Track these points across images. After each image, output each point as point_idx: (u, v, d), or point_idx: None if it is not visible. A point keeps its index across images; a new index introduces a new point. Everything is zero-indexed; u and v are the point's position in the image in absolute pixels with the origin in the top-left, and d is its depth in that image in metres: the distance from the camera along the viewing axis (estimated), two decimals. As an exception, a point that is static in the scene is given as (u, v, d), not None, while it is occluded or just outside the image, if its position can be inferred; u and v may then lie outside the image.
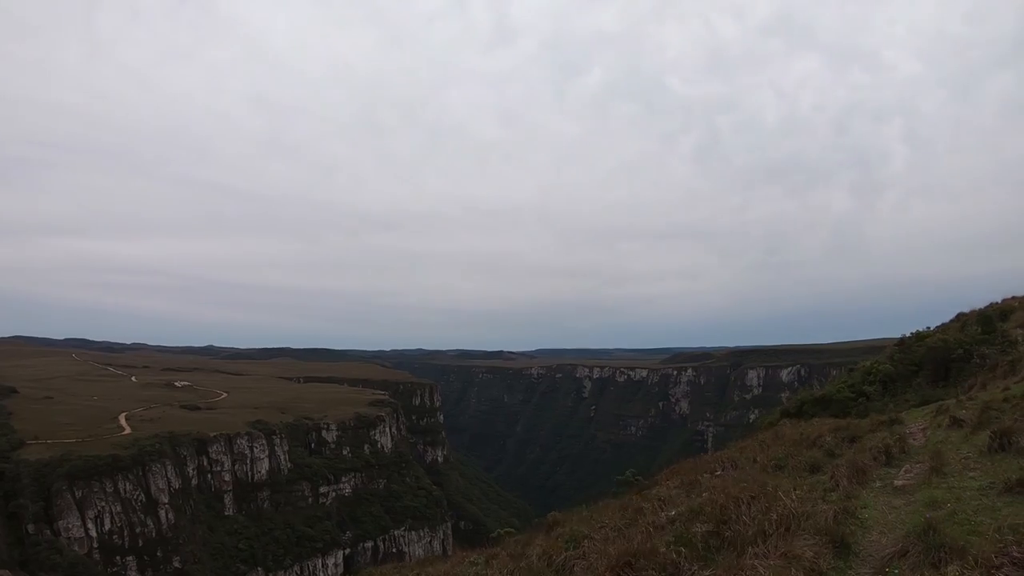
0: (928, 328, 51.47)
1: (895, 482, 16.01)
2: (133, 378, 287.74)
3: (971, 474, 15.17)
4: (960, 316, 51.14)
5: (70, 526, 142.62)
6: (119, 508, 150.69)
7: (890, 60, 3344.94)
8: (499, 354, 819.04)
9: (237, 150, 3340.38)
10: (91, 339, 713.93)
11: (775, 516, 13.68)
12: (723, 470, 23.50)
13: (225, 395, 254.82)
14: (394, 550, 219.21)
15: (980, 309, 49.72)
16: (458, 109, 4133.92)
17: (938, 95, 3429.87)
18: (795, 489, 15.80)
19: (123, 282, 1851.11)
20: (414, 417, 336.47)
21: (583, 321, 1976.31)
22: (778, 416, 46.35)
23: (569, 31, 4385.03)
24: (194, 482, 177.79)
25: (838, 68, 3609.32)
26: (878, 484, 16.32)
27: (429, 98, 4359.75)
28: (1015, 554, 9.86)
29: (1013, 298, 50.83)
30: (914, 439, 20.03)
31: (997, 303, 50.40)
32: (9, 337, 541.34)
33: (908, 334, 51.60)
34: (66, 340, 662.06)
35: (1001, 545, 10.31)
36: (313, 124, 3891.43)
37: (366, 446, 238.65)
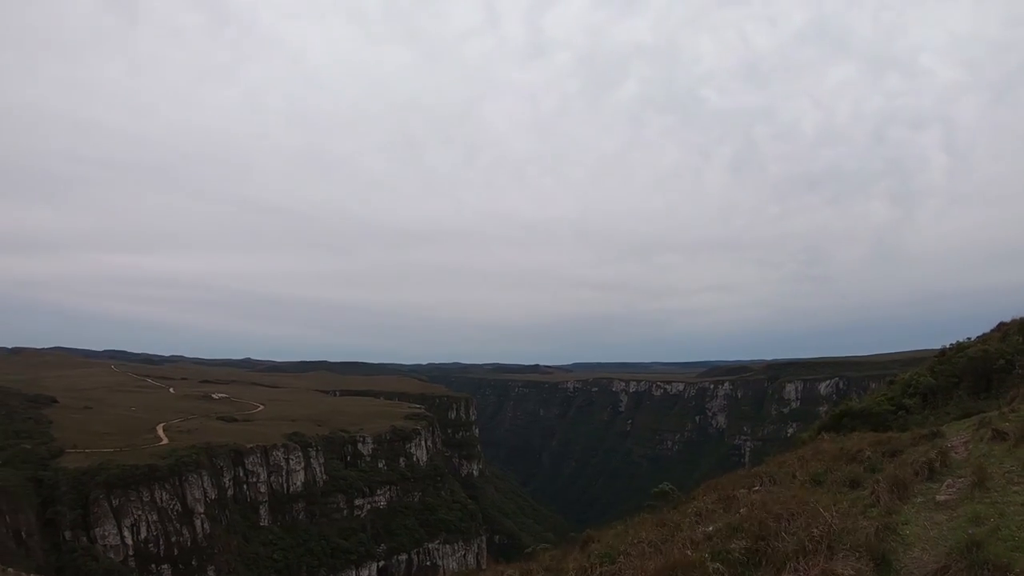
0: (969, 339, 50.62)
1: (937, 497, 15.75)
2: (171, 389, 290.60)
3: (1015, 488, 14.88)
4: (1001, 325, 50.25)
5: (106, 534, 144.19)
6: (155, 517, 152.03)
7: (927, 66, 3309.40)
8: (535, 368, 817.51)
9: (275, 167, 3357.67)
10: (130, 351, 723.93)
11: (815, 532, 13.50)
12: (761, 485, 23.26)
13: (262, 407, 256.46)
14: (428, 563, 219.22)
15: (1022, 318, 48.92)
16: (494, 123, 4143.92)
17: (977, 100, 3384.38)
18: (835, 505, 15.61)
19: (162, 295, 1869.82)
20: (450, 430, 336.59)
21: (619, 334, 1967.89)
22: (816, 430, 45.85)
23: (603, 43, 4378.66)
24: (230, 493, 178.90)
25: (874, 75, 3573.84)
26: (920, 499, 16.07)
27: (465, 113, 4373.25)
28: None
29: (1056, 307, 50.00)
30: (956, 453, 19.71)
31: (1040, 312, 49.61)
32: (50, 348, 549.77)
33: (948, 345, 50.83)
34: (105, 352, 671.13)
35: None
36: (350, 140, 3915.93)
37: (402, 459, 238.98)
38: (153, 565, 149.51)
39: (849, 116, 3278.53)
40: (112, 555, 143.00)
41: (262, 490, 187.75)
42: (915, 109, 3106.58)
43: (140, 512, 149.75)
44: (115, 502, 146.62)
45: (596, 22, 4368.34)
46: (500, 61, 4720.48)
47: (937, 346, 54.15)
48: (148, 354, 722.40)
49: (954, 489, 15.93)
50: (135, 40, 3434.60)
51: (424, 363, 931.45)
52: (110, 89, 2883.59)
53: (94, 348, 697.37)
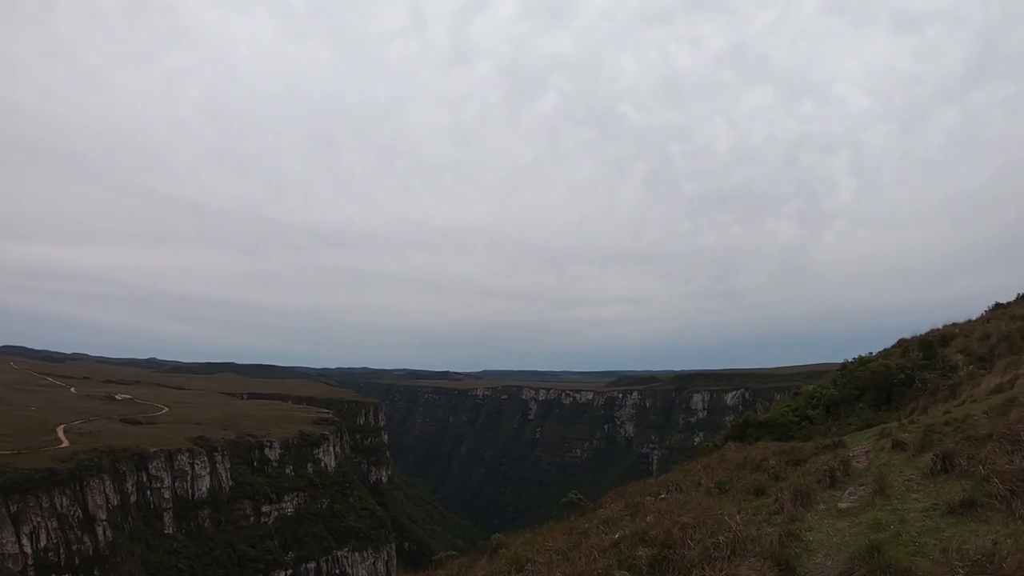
0: (871, 353, 52.10)
1: (839, 504, 16.01)
2: (72, 389, 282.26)
3: (914, 496, 15.21)
4: (902, 342, 51.88)
5: (4, 542, 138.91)
6: (55, 524, 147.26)
7: (840, 94, 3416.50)
8: (445, 374, 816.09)
9: (188, 160, 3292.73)
10: (30, 347, 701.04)
11: (720, 539, 13.59)
12: (668, 493, 23.46)
13: (166, 409, 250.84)
14: (337, 571, 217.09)
15: (921, 335, 50.51)
16: (413, 127, 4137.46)
17: (885, 129, 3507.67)
18: (740, 512, 15.77)
19: (65, 289, 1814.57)
20: (358, 436, 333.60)
21: (530, 343, 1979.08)
22: (722, 439, 46.56)
23: (526, 55, 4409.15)
24: (133, 499, 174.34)
25: (789, 100, 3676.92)
26: (822, 507, 16.32)
27: (385, 115, 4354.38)
28: (961, 574, 9.83)
29: (954, 325, 51.80)
30: (857, 462, 20.09)
31: (938, 329, 51.33)
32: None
33: (851, 359, 52.19)
34: (3, 347, 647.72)
35: (949, 567, 10.29)
36: (266, 138, 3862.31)
37: (309, 465, 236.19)
38: (54, 575, 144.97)
39: (763, 138, 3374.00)
40: (11, 564, 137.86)
41: (166, 496, 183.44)
42: (826, 134, 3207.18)
43: (40, 519, 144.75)
44: (13, 508, 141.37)
45: (521, 33, 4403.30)
46: (423, 65, 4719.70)
47: (839, 360, 55.68)
48: (49, 351, 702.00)
49: (856, 497, 16.21)
50: (52, 19, 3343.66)
51: (333, 367, 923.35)
52: (21, 69, 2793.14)
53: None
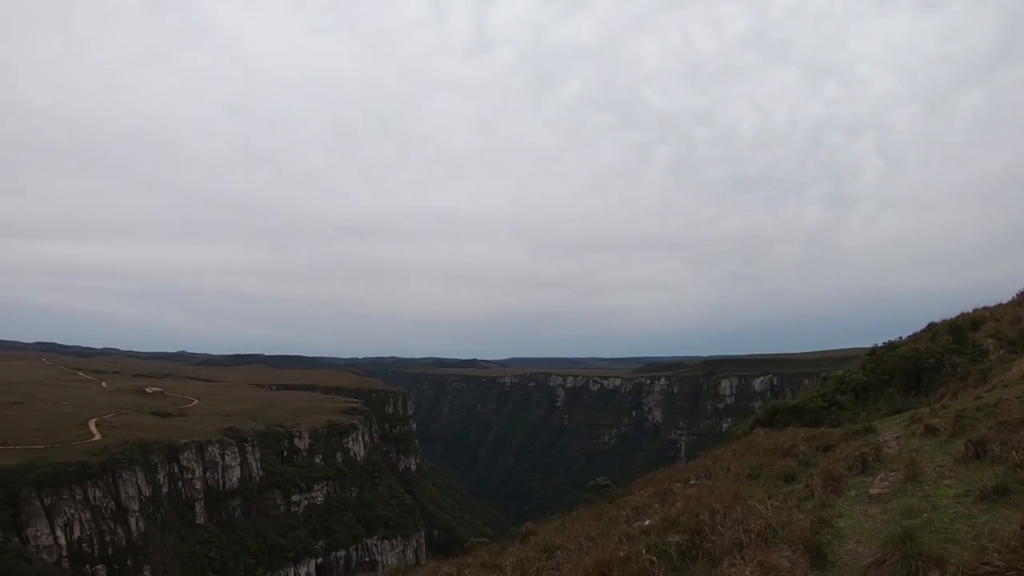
0: (900, 338, 51.60)
1: (870, 491, 15.90)
2: (103, 383, 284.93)
3: (946, 482, 15.08)
4: (931, 326, 51.33)
5: (39, 534, 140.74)
6: (88, 516, 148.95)
7: (864, 75, 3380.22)
8: (472, 362, 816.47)
9: (211, 156, 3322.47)
10: (61, 343, 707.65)
11: (751, 526, 13.54)
12: (697, 479, 23.40)
13: (196, 402, 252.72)
14: (367, 559, 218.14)
15: (951, 319, 50.00)
16: (434, 118, 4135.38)
17: (910, 110, 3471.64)
18: (770, 498, 15.68)
19: (95, 286, 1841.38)
20: (387, 425, 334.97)
21: (557, 331, 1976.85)
22: (751, 425, 46.37)
23: (547, 42, 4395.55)
24: (165, 490, 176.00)
25: (813, 82, 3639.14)
26: (853, 493, 16.20)
27: (406, 107, 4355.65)
28: (996, 562, 9.75)
29: (984, 308, 51.21)
30: (888, 448, 19.94)
31: (968, 313, 50.76)
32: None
33: (880, 344, 51.80)
34: (36, 344, 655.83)
35: (981, 553, 10.21)
36: (288, 131, 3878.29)
37: (338, 454, 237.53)
38: (88, 566, 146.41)
39: (787, 121, 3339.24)
40: (45, 556, 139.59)
41: (197, 487, 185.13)
42: (851, 116, 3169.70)
43: (73, 511, 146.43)
44: (47, 501, 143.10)
45: (541, 20, 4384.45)
46: (443, 55, 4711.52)
47: (868, 345, 55.24)
48: (80, 347, 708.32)
49: (887, 483, 16.10)
50: (72, 21, 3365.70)
51: (361, 357, 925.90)
52: (43, 70, 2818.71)
53: (24, 340, 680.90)
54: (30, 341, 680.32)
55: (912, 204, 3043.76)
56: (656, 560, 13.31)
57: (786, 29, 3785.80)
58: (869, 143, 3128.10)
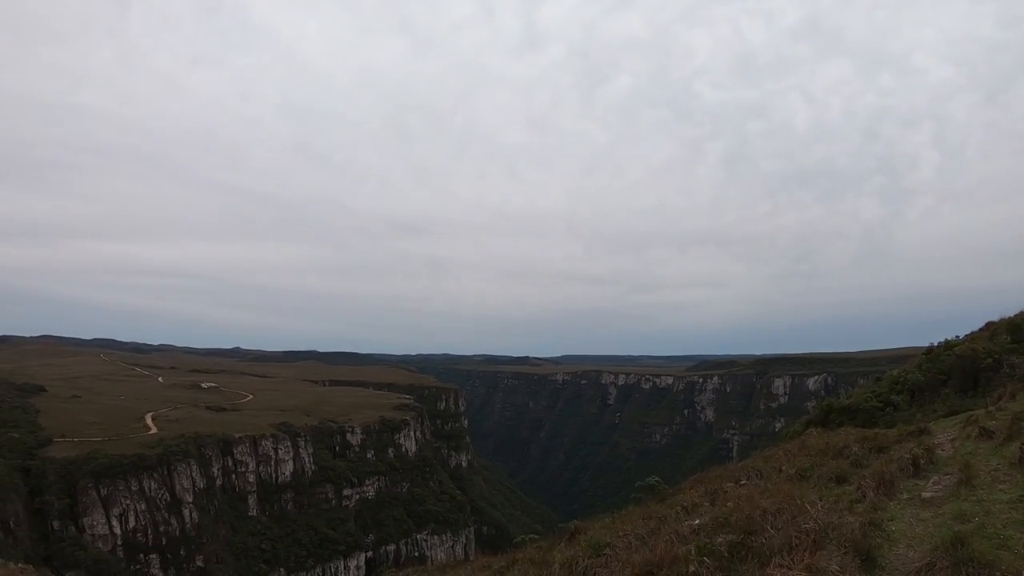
0: (957, 337, 50.71)
1: (923, 494, 15.75)
2: (160, 378, 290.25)
3: (1001, 487, 14.89)
4: (989, 325, 50.32)
5: (95, 523, 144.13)
6: (143, 506, 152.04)
7: (920, 64, 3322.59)
8: (524, 360, 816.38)
9: (266, 156, 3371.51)
10: (119, 339, 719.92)
11: (801, 527, 13.50)
12: (748, 479, 23.30)
13: (251, 397, 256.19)
14: (416, 554, 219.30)
15: (1010, 317, 48.89)
16: (486, 115, 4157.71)
17: (969, 100, 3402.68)
18: (821, 500, 15.61)
19: (152, 284, 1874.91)
20: (438, 422, 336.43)
21: (609, 328, 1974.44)
22: (804, 425, 45.96)
23: (596, 37, 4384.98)
24: (218, 482, 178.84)
25: (867, 73, 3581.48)
26: (905, 496, 16.05)
27: (458, 104, 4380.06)
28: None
29: (1046, 306, 50.10)
30: (942, 450, 19.71)
31: (1028, 311, 49.70)
32: (38, 336, 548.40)
33: (936, 343, 50.94)
34: (94, 340, 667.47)
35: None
36: (342, 131, 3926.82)
37: (390, 450, 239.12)
38: (142, 555, 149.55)
39: (841, 113, 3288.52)
40: (101, 544, 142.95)
41: (250, 480, 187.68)
42: (907, 107, 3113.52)
43: (129, 501, 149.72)
44: (103, 491, 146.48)
45: (590, 15, 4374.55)
46: (494, 52, 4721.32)
47: (924, 344, 54.30)
48: (137, 343, 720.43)
49: (940, 486, 15.94)
50: (126, 27, 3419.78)
51: (413, 354, 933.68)
52: (100, 76, 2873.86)
53: (83, 336, 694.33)
54: (88, 337, 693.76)
55: (971, 197, 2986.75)
56: (706, 560, 13.34)
57: (838, 19, 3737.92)
58: (926, 135, 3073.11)
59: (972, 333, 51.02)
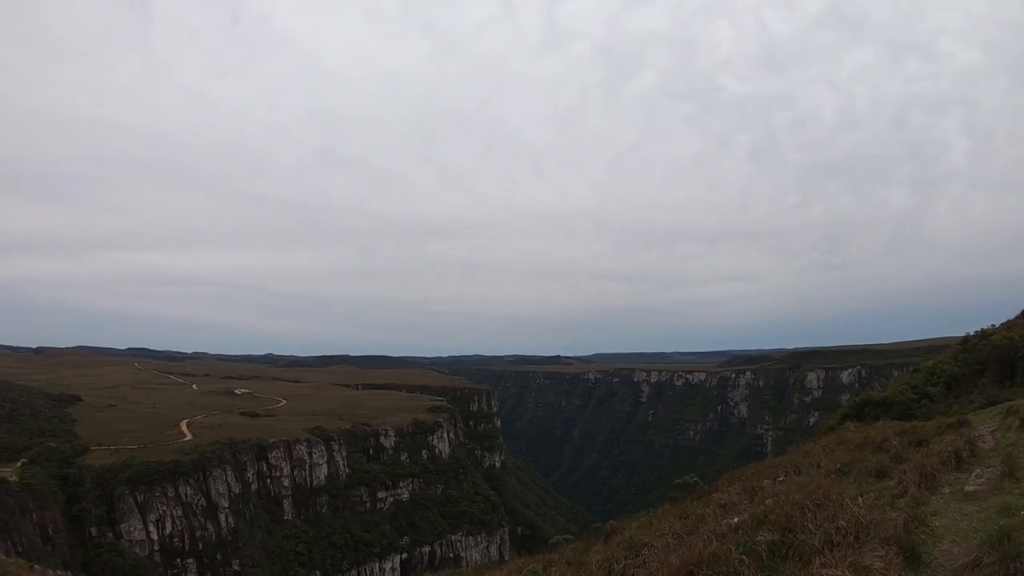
0: (993, 326, 50.22)
1: (966, 488, 15.51)
2: (194, 386, 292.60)
3: (1045, 479, 14.66)
4: (1026, 312, 49.83)
5: (132, 529, 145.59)
6: (180, 512, 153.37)
7: (946, 49, 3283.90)
8: (556, 359, 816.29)
9: (293, 163, 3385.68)
10: (152, 348, 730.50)
11: (842, 524, 13.29)
12: (785, 475, 23.09)
13: (284, 402, 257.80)
14: (451, 555, 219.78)
15: (1048, 305, 48.36)
16: (511, 116, 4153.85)
17: (998, 83, 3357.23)
18: (861, 496, 15.37)
19: (184, 293, 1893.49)
20: (471, 423, 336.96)
21: (640, 325, 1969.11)
22: (839, 419, 45.58)
23: (620, 33, 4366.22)
24: (254, 487, 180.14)
25: (893, 59, 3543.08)
26: (947, 490, 15.83)
27: (482, 106, 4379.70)
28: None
29: (1083, 294, 49.32)
30: (983, 442, 19.43)
31: (1066, 300, 48.91)
32: (73, 347, 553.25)
33: (972, 332, 50.51)
34: (128, 350, 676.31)
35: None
36: (368, 136, 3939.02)
37: (424, 452, 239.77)
38: (178, 560, 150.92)
39: (868, 101, 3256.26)
40: (138, 550, 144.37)
41: (285, 484, 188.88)
42: (935, 93, 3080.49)
43: (165, 507, 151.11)
44: (140, 498, 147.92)
45: (612, 11, 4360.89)
46: (517, 53, 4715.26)
47: (960, 333, 53.80)
48: (171, 351, 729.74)
49: (983, 479, 15.69)
50: (149, 40, 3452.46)
51: (445, 356, 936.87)
52: (126, 89, 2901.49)
53: (117, 346, 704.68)
54: (122, 347, 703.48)
55: (1004, 183, 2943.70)
56: (746, 559, 13.18)
57: (862, 4, 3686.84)
58: (955, 121, 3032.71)
59: (1009, 321, 50.50)
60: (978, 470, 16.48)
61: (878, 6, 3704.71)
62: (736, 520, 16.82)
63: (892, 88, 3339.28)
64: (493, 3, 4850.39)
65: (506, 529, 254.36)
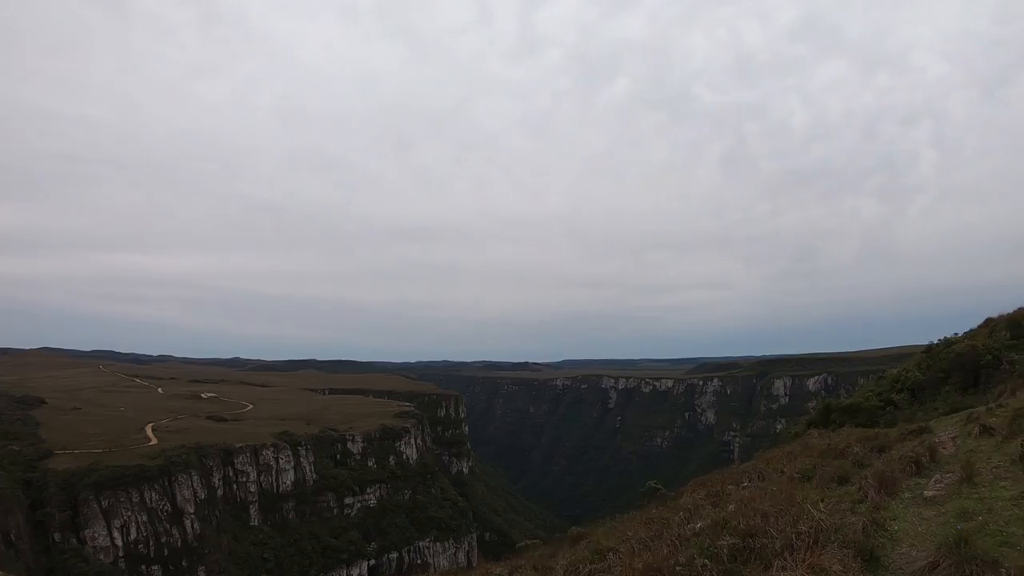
0: (956, 334, 50.82)
1: (925, 493, 15.73)
2: (160, 389, 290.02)
3: (1003, 484, 14.88)
4: (989, 321, 50.39)
5: (96, 535, 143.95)
6: (145, 518, 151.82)
7: (917, 63, 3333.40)
8: (525, 365, 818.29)
9: (265, 164, 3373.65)
10: (118, 351, 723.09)
11: (803, 529, 13.47)
12: (750, 481, 23.27)
13: (251, 406, 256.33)
14: (419, 561, 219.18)
15: (1010, 314, 48.92)
16: (485, 121, 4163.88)
17: (966, 96, 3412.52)
18: (823, 501, 15.58)
19: (151, 295, 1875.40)
20: (439, 428, 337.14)
21: (610, 332, 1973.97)
22: (805, 426, 46.01)
23: (595, 41, 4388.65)
24: (220, 492, 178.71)
25: (865, 72, 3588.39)
26: (908, 495, 16.04)
27: (457, 110, 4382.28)
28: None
29: (1044, 302, 50.08)
30: (944, 448, 19.69)
31: (1027, 307, 49.72)
32: (37, 348, 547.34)
33: (936, 341, 51.05)
34: (93, 352, 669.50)
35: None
36: (342, 138, 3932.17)
37: (391, 457, 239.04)
38: (143, 566, 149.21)
39: (840, 113, 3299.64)
40: (102, 556, 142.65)
41: (252, 490, 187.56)
42: (905, 105, 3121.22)
43: (130, 513, 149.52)
44: (105, 503, 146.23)
45: (588, 19, 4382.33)
46: (492, 58, 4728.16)
47: (924, 342, 54.36)
48: (136, 354, 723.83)
49: (942, 484, 15.92)
50: (125, 38, 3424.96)
51: (413, 361, 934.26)
52: (100, 87, 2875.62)
53: (81, 348, 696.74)
54: (87, 349, 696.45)
55: (971, 194, 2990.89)
56: (708, 563, 13.31)
57: (835, 18, 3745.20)
58: (924, 132, 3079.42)
59: (972, 330, 51.10)
60: (938, 475, 16.70)
61: (851, 20, 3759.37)
62: (700, 525, 16.96)
63: (863, 100, 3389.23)
64: (470, 8, 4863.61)
65: (474, 535, 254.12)
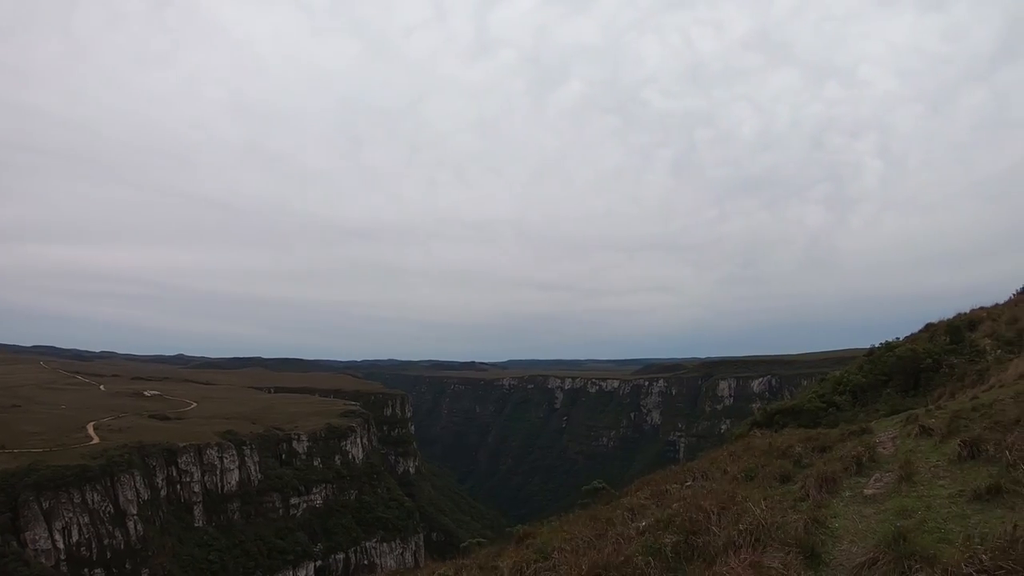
0: (897, 338, 51.62)
1: (865, 491, 15.95)
2: (102, 387, 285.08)
3: (940, 482, 15.13)
4: (929, 326, 51.31)
5: (37, 537, 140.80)
6: (87, 519, 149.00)
7: (866, 76, 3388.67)
8: (471, 365, 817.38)
9: (213, 158, 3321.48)
10: (60, 346, 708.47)
11: (744, 526, 13.61)
12: (694, 480, 23.45)
13: (195, 405, 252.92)
14: (365, 562, 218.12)
15: (949, 320, 49.90)
16: (437, 121, 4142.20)
17: (913, 110, 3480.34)
18: (765, 499, 15.74)
19: (93, 289, 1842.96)
20: (385, 428, 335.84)
21: (556, 333, 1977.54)
22: (748, 427, 46.35)
23: (548, 43, 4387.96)
24: (163, 493, 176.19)
25: (815, 84, 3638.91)
26: (848, 493, 16.25)
27: (408, 109, 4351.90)
28: (984, 561, 9.82)
29: (981, 308, 51.14)
30: (884, 448, 19.98)
31: (965, 313, 50.69)
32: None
33: (878, 344, 51.81)
34: (33, 347, 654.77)
35: (970, 553, 10.28)
36: (291, 134, 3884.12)
37: (337, 457, 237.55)
38: (86, 569, 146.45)
39: (788, 122, 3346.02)
40: (44, 559, 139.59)
41: (196, 490, 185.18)
42: (852, 117, 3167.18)
43: (72, 514, 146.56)
44: (45, 504, 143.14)
45: (542, 21, 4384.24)
46: (446, 57, 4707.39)
47: (867, 346, 55.20)
48: (78, 350, 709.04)
49: (882, 483, 16.15)
50: (72, 22, 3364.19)
51: (360, 360, 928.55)
52: (46, 73, 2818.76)
53: (21, 343, 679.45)
54: (28, 344, 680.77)
55: (914, 205, 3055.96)
56: (652, 560, 13.39)
57: (788, 31, 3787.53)
58: (870, 144, 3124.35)
59: (912, 335, 51.97)
60: (877, 474, 16.94)
61: (803, 32, 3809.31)
62: (644, 523, 17.07)
63: (812, 110, 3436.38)
64: (425, 6, 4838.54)
65: (421, 535, 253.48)
